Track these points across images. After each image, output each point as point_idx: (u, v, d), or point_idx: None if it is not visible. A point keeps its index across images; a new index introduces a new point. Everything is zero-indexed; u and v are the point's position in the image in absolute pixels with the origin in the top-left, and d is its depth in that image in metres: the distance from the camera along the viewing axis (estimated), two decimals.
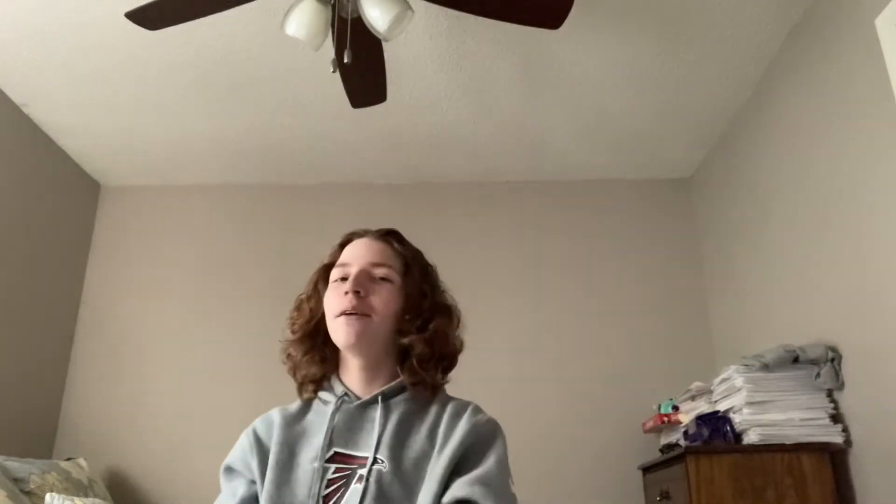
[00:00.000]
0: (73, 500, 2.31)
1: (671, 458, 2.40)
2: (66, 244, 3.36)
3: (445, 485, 1.01)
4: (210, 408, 3.17)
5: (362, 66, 2.20)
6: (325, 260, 1.23)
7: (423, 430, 1.09)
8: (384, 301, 1.13)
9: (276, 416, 1.16)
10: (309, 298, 1.21)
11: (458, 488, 0.99)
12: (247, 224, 3.53)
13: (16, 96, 2.91)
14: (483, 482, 1.00)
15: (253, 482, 1.08)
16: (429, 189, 3.55)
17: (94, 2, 2.37)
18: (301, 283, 1.25)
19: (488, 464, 1.03)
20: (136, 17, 2.03)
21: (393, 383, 1.13)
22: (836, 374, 2.19)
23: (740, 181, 2.99)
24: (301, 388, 1.19)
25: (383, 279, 1.15)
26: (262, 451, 1.10)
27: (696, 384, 2.61)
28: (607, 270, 3.41)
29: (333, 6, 1.95)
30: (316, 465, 1.05)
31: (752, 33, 2.53)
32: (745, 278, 2.93)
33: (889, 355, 1.96)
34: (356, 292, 1.11)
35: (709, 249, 3.34)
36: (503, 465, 1.05)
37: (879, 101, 2.00)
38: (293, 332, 1.20)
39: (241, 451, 1.13)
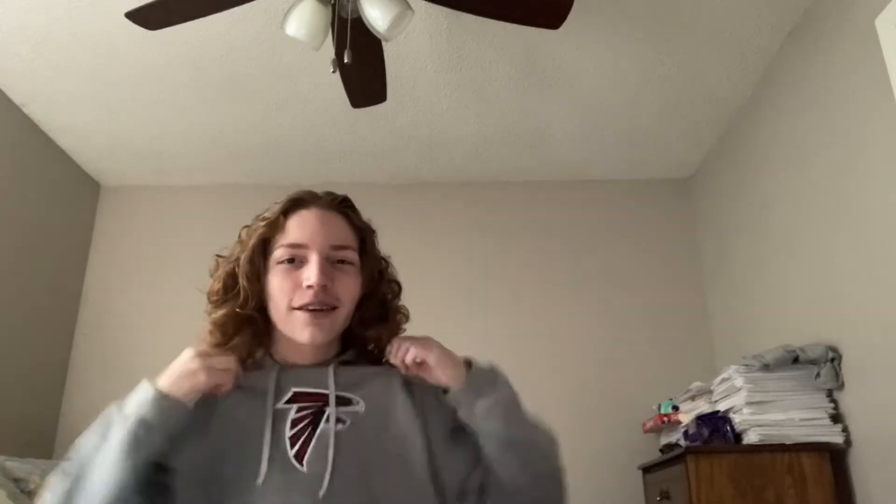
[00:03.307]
0: None
1: (671, 458, 2.40)
2: (66, 244, 3.36)
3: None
4: None
5: (362, 66, 2.20)
6: (261, 228, 1.05)
7: (377, 375, 1.02)
8: (349, 290, 1.02)
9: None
10: (245, 275, 1.03)
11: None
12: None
13: (16, 96, 2.91)
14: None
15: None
16: (429, 189, 3.55)
17: (94, 2, 2.37)
18: None
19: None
20: (136, 17, 2.03)
21: (346, 356, 1.06)
22: (836, 374, 2.19)
23: (740, 181, 2.99)
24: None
25: (345, 262, 1.02)
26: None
27: (696, 384, 2.61)
28: (607, 270, 3.41)
29: (333, 6, 1.95)
30: (268, 408, 0.94)
31: (752, 33, 2.53)
32: (745, 278, 2.93)
33: (889, 355, 1.96)
34: (323, 286, 0.98)
35: (709, 249, 3.34)
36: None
37: (879, 101, 2.00)
38: (217, 312, 1.07)
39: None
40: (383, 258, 1.12)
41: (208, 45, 2.59)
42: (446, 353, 1.00)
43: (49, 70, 2.73)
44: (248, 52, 2.62)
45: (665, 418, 2.74)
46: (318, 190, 1.12)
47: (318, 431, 0.92)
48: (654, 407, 2.84)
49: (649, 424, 2.86)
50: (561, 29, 2.12)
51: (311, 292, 0.97)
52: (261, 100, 2.93)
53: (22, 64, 2.69)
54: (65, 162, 3.34)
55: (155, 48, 2.59)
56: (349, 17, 1.99)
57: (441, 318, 3.42)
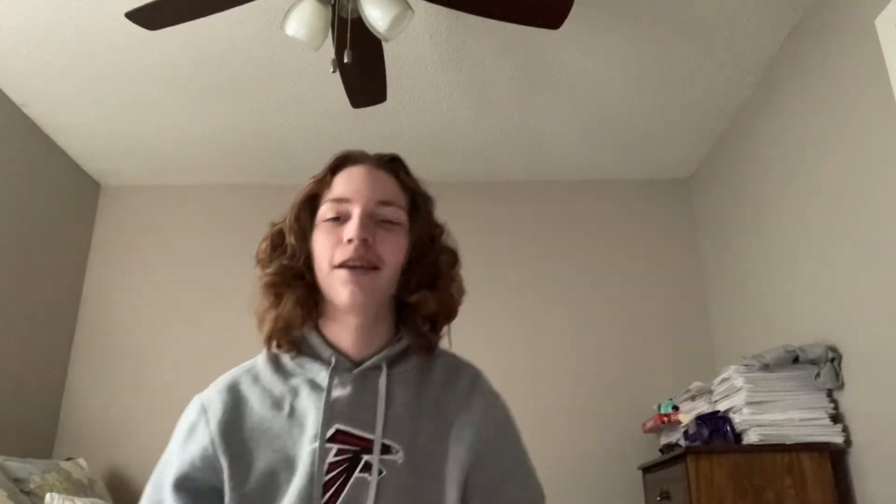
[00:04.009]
0: (73, 500, 2.31)
1: (671, 458, 2.40)
2: (66, 244, 3.36)
3: (463, 483, 0.91)
4: None
5: (362, 66, 2.20)
6: (309, 185, 1.00)
7: (430, 403, 0.94)
8: (393, 250, 0.94)
9: (245, 385, 0.97)
10: (291, 231, 0.97)
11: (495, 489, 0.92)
12: (247, 224, 3.52)
13: (16, 96, 2.91)
14: (508, 476, 0.95)
15: (219, 492, 0.88)
16: (429, 189, 3.54)
17: (95, 2, 2.37)
18: None
19: (512, 457, 0.97)
20: (136, 17, 2.03)
21: (397, 347, 0.96)
22: (836, 374, 2.19)
23: (740, 181, 2.99)
24: (269, 341, 0.98)
25: (391, 222, 0.95)
26: (236, 436, 0.90)
27: (696, 384, 2.61)
28: (607, 270, 3.41)
29: (333, 6, 1.95)
30: (315, 445, 0.87)
31: (752, 33, 2.53)
32: (745, 278, 2.93)
33: (889, 355, 1.96)
34: (363, 240, 0.91)
35: (709, 249, 3.34)
36: (524, 447, 1.00)
37: (879, 101, 2.00)
38: (266, 271, 0.98)
39: (199, 449, 0.91)
40: (438, 224, 1.03)
41: (208, 46, 2.59)
42: None
43: (49, 70, 2.73)
44: (247, 52, 2.62)
45: (665, 418, 2.74)
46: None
47: (351, 479, 0.87)
48: (654, 407, 2.84)
49: (649, 424, 2.86)
50: (561, 29, 2.12)
51: (351, 247, 0.91)
52: (261, 100, 2.93)
53: (22, 64, 2.69)
54: (65, 162, 3.34)
55: (155, 48, 2.59)
56: (349, 17, 1.99)
57: None
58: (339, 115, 2.95)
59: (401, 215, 0.97)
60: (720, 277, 3.21)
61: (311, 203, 0.98)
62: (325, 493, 0.86)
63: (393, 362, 0.95)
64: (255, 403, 0.94)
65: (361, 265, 0.91)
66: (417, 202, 1.00)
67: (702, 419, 2.36)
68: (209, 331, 3.33)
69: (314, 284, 0.96)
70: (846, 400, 2.20)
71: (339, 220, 0.94)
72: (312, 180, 1.00)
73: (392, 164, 1.02)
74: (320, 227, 0.96)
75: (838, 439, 2.16)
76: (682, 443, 2.49)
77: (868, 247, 2.09)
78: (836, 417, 2.21)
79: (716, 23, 2.47)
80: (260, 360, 1.01)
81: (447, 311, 1.00)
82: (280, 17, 1.97)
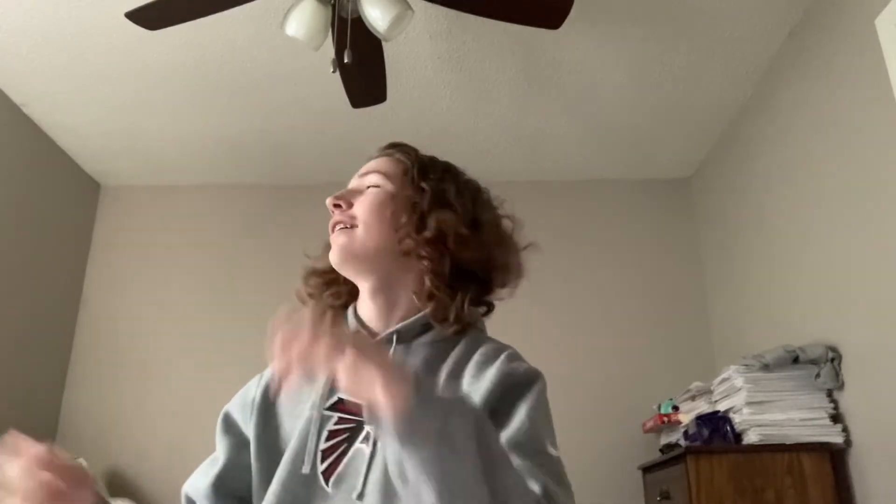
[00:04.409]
0: None
1: (671, 458, 2.40)
2: (66, 244, 3.36)
3: None
4: (210, 407, 3.16)
5: (362, 66, 2.20)
6: None
7: (442, 374, 0.90)
8: (368, 207, 0.97)
9: None
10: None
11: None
12: (247, 224, 3.53)
13: (16, 96, 2.91)
14: (512, 444, 0.79)
15: (244, 440, 0.95)
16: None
17: (95, 2, 2.37)
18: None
19: (518, 420, 0.82)
20: (136, 17, 2.03)
21: (412, 318, 0.94)
22: (836, 374, 2.19)
23: (740, 181, 2.99)
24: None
25: (370, 187, 1.00)
26: (268, 400, 0.96)
27: (696, 384, 2.61)
28: (607, 270, 3.41)
29: (333, 6, 1.95)
30: (314, 411, 0.89)
31: (752, 33, 2.53)
32: (745, 278, 2.93)
33: (889, 355, 1.96)
34: (336, 205, 0.98)
35: (709, 249, 3.34)
36: (538, 419, 0.84)
37: (879, 101, 2.00)
38: (313, 261, 1.05)
39: (245, 398, 0.99)
40: (450, 185, 1.01)
41: (208, 46, 2.59)
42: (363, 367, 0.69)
43: (49, 70, 2.73)
44: (247, 52, 2.62)
45: (665, 418, 2.74)
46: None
47: (351, 451, 0.86)
48: (654, 407, 2.84)
49: (649, 424, 2.86)
50: (561, 29, 2.12)
51: (334, 216, 0.99)
52: (260, 100, 2.93)
53: (22, 64, 2.69)
54: (65, 162, 3.34)
55: (155, 48, 2.59)
56: (349, 17, 1.99)
57: None
58: (339, 115, 2.95)
59: (379, 179, 1.00)
60: (720, 277, 3.20)
61: None
62: (324, 459, 0.87)
63: (406, 336, 0.94)
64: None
65: (338, 226, 0.97)
66: (408, 169, 1.02)
67: (702, 419, 2.36)
68: (209, 331, 3.34)
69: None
70: (846, 400, 2.19)
71: None
72: None
73: (387, 148, 1.07)
74: None
75: (838, 439, 2.16)
76: (682, 443, 2.49)
77: (868, 247, 2.09)
78: (836, 417, 2.21)
79: (716, 23, 2.47)
80: None
81: (456, 262, 0.94)
82: (280, 18, 1.97)
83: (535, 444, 0.81)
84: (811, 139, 2.42)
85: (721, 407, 2.38)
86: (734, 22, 2.47)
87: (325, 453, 0.87)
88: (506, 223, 1.07)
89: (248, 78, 2.78)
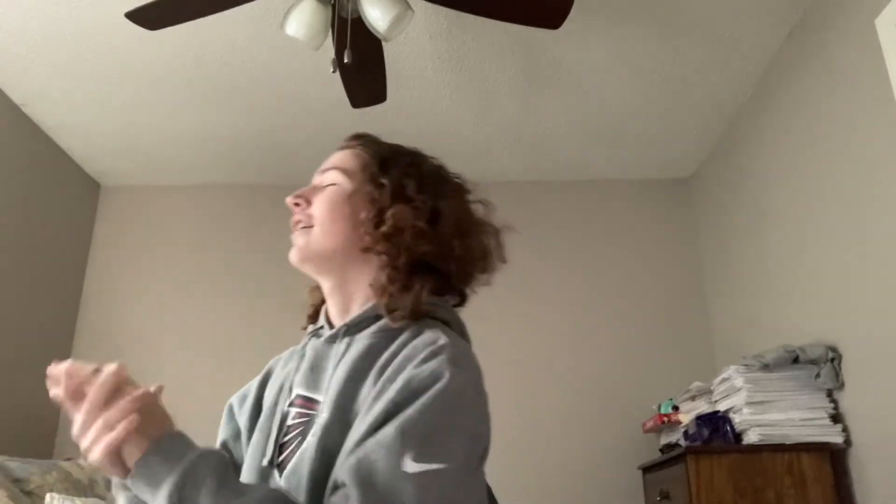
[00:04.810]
0: (73, 500, 2.31)
1: (671, 458, 2.40)
2: (66, 244, 3.36)
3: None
4: (211, 406, 3.16)
5: (362, 66, 2.20)
6: None
7: (373, 373, 0.87)
8: (325, 206, 0.97)
9: (286, 353, 1.06)
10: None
11: (343, 459, 0.78)
12: (246, 224, 3.53)
13: (16, 96, 2.91)
14: (356, 461, 0.75)
15: (239, 430, 1.01)
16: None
17: (95, 2, 2.37)
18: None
19: (385, 432, 0.76)
20: (136, 17, 2.03)
21: (362, 311, 0.94)
22: (836, 374, 2.19)
23: (740, 181, 2.99)
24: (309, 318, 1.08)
25: (330, 184, 0.99)
26: (261, 393, 1.02)
27: (696, 384, 2.61)
28: (607, 270, 3.41)
29: (333, 6, 1.95)
30: (277, 407, 0.94)
31: (752, 33, 2.53)
32: (745, 278, 2.93)
33: (889, 355, 1.96)
34: (295, 205, 0.99)
35: (709, 249, 3.34)
36: (408, 429, 0.76)
37: (879, 101, 2.00)
38: None
39: (246, 390, 1.05)
40: (410, 178, 0.99)
41: (208, 46, 2.59)
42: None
43: (49, 70, 2.73)
44: (247, 52, 2.62)
45: (665, 418, 2.74)
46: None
47: (303, 445, 0.86)
48: (654, 407, 2.84)
49: (649, 424, 2.86)
50: (561, 29, 2.12)
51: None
52: (260, 100, 2.93)
53: (22, 64, 2.69)
54: (65, 162, 3.34)
55: (155, 48, 2.59)
56: (349, 17, 1.99)
57: None
58: (339, 115, 2.95)
59: (337, 176, 0.99)
60: (720, 277, 3.20)
61: None
62: (282, 452, 0.89)
63: (354, 329, 0.94)
64: (278, 368, 1.04)
65: (297, 225, 0.98)
66: (368, 162, 1.00)
67: (702, 419, 2.36)
68: (209, 331, 3.34)
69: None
70: (846, 400, 2.20)
71: None
72: None
73: (349, 141, 1.06)
74: None
75: (838, 439, 2.16)
76: (682, 443, 2.49)
77: (868, 247, 2.09)
78: (836, 417, 2.21)
79: (716, 23, 2.47)
80: None
81: (410, 256, 0.92)
82: (280, 18, 1.97)
83: (383, 465, 0.74)
84: (811, 139, 2.42)
85: (721, 407, 2.38)
86: (734, 22, 2.47)
87: (284, 447, 0.90)
88: (476, 210, 1.05)
89: (247, 78, 2.78)
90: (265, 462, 0.89)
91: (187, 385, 3.24)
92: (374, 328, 0.92)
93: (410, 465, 0.74)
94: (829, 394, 2.24)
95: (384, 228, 0.93)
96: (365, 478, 0.73)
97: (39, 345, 3.11)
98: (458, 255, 0.97)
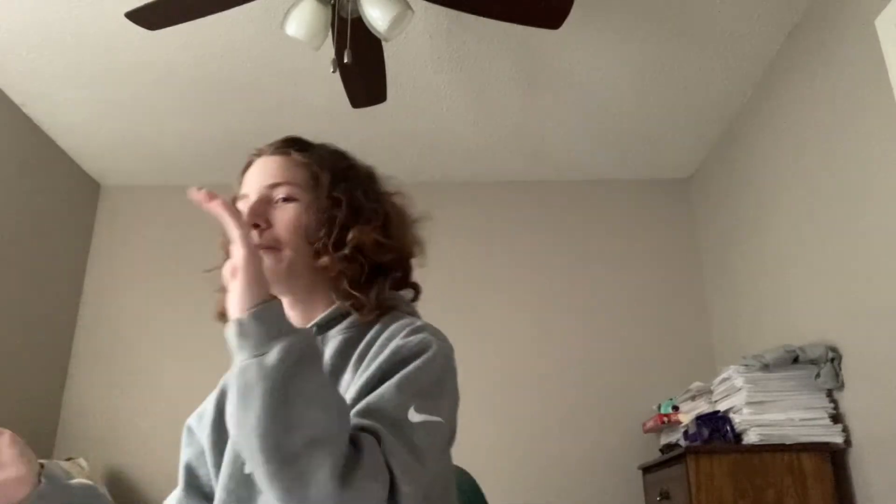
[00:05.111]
0: None
1: (671, 458, 2.40)
2: (66, 244, 3.36)
3: None
4: None
5: (362, 66, 2.20)
6: (234, 193, 1.04)
7: (352, 362, 0.90)
8: (287, 226, 0.94)
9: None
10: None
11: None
12: None
13: (16, 96, 2.91)
14: (365, 412, 0.78)
15: (202, 448, 0.99)
16: (429, 189, 3.54)
17: (95, 2, 2.37)
18: None
19: (384, 387, 0.80)
20: (136, 17, 2.03)
21: (329, 310, 0.96)
22: (836, 374, 2.19)
23: (740, 181, 2.99)
24: None
25: (285, 199, 0.96)
26: (220, 409, 0.98)
27: (696, 384, 2.61)
28: (607, 270, 3.41)
29: (333, 6, 1.95)
30: None
31: (752, 33, 2.53)
32: (745, 278, 2.93)
33: (889, 355, 1.96)
34: (255, 226, 0.93)
35: (709, 249, 3.34)
36: (408, 385, 0.81)
37: (879, 100, 2.00)
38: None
39: (202, 409, 1.04)
40: (355, 188, 1.00)
41: (208, 46, 2.59)
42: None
43: (49, 70, 2.73)
44: (247, 52, 2.62)
45: (665, 418, 2.74)
46: None
47: None
48: (654, 407, 2.84)
49: (649, 424, 2.86)
50: (561, 29, 2.12)
51: None
52: (260, 100, 2.93)
53: (22, 64, 2.69)
54: (65, 162, 3.34)
55: (155, 48, 2.59)
56: (349, 17, 1.99)
57: (440, 319, 3.42)
58: (339, 115, 2.95)
59: (293, 191, 0.97)
60: (720, 277, 3.20)
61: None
62: None
63: (324, 327, 0.96)
64: None
65: (258, 247, 0.90)
66: (316, 173, 0.99)
67: (702, 419, 2.36)
68: (209, 331, 3.32)
69: None
70: (846, 400, 2.19)
71: None
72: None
73: (283, 147, 1.02)
74: None
75: (838, 439, 2.16)
76: (682, 443, 2.49)
77: (868, 246, 2.09)
78: (836, 417, 2.21)
79: (716, 23, 2.47)
80: None
81: (371, 268, 0.95)
82: (280, 17, 1.97)
83: (390, 410, 0.78)
84: (811, 139, 2.42)
85: (721, 407, 2.38)
86: (734, 22, 2.47)
87: None
88: (399, 201, 1.06)
89: (248, 78, 2.78)
90: (248, 469, 0.87)
91: (187, 384, 3.24)
92: (344, 324, 0.95)
93: (414, 415, 0.80)
94: (829, 394, 2.24)
95: (347, 251, 0.94)
96: (381, 419, 0.77)
97: (39, 344, 3.11)
98: (408, 254, 1.02)
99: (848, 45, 2.18)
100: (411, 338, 0.87)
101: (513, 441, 3.04)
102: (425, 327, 0.91)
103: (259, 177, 0.99)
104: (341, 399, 0.78)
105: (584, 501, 2.97)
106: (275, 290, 0.90)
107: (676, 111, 3.01)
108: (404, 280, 1.02)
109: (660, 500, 2.47)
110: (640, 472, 2.81)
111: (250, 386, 0.70)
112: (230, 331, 0.74)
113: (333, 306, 0.96)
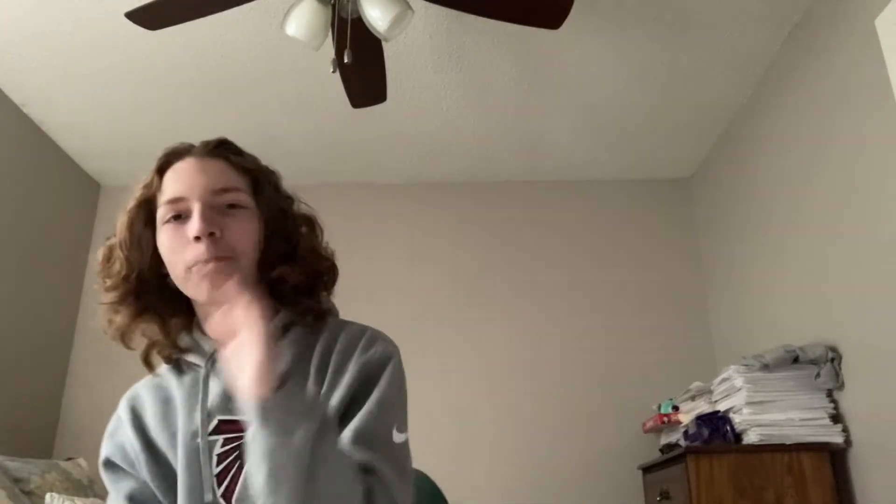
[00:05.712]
0: (73, 500, 2.31)
1: (671, 458, 2.40)
2: (66, 244, 3.36)
3: None
4: None
5: (362, 66, 2.20)
6: (139, 193, 0.98)
7: (312, 373, 0.91)
8: (243, 235, 0.91)
9: (144, 392, 0.99)
10: (124, 245, 0.98)
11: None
12: None
13: (16, 96, 2.91)
14: (358, 439, 0.83)
15: (142, 480, 0.93)
16: (429, 189, 3.55)
17: (95, 2, 2.37)
18: None
19: (367, 408, 0.85)
20: (136, 17, 2.03)
21: (274, 322, 0.92)
22: (836, 374, 2.19)
23: (740, 181, 2.99)
24: (148, 354, 0.97)
25: (232, 206, 0.92)
26: (146, 439, 0.93)
27: (696, 384, 2.61)
28: (607, 270, 3.41)
29: (333, 6, 1.95)
30: (199, 441, 0.88)
31: (752, 33, 2.53)
32: (745, 278, 2.93)
33: (889, 355, 1.97)
34: (210, 235, 0.88)
35: (708, 249, 3.34)
36: (387, 404, 0.87)
37: (879, 101, 2.00)
38: (108, 291, 0.97)
39: (121, 444, 0.96)
40: (287, 196, 1.00)
41: (208, 46, 2.59)
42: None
43: (49, 70, 2.73)
44: (248, 52, 2.62)
45: (665, 418, 2.74)
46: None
47: (247, 466, 0.83)
48: (654, 407, 2.84)
49: (649, 424, 2.86)
50: (561, 29, 2.12)
51: (200, 245, 0.88)
52: (260, 100, 2.93)
53: (22, 64, 2.69)
54: (65, 162, 3.34)
55: (155, 48, 2.59)
56: (349, 17, 1.99)
57: (440, 318, 3.42)
58: (339, 115, 2.95)
59: (243, 198, 0.94)
60: (720, 277, 3.21)
61: (145, 209, 0.97)
62: (220, 483, 0.88)
63: (277, 338, 0.92)
64: (150, 408, 0.97)
65: (215, 258, 0.88)
66: (259, 179, 0.98)
67: (702, 419, 2.36)
68: None
69: (170, 288, 0.94)
70: (846, 400, 2.20)
71: (181, 218, 0.91)
72: (140, 185, 0.99)
73: (219, 150, 0.99)
74: (162, 230, 0.93)
75: (838, 439, 2.16)
76: (682, 443, 2.49)
77: (868, 246, 2.09)
78: (836, 417, 2.21)
79: (716, 23, 2.47)
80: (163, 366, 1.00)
81: (315, 276, 0.97)
82: (280, 17, 1.97)
83: (380, 435, 0.85)
84: (811, 139, 2.42)
85: (721, 407, 2.39)
86: (734, 22, 2.47)
87: (220, 478, 0.88)
88: (308, 208, 1.04)
89: (247, 78, 2.78)
90: (209, 498, 0.86)
91: None
92: (291, 336, 0.94)
93: (397, 436, 0.87)
94: (829, 394, 2.24)
95: (296, 260, 0.94)
96: (373, 446, 0.83)
97: (39, 345, 3.11)
98: (333, 263, 1.01)
99: (848, 44, 2.18)
100: (372, 350, 0.91)
101: (512, 441, 3.04)
102: (377, 335, 0.95)
103: (201, 179, 0.93)
104: (348, 457, 0.81)
105: (584, 501, 2.97)
106: (222, 302, 0.87)
107: (676, 111, 3.01)
108: (333, 283, 1.01)
109: (660, 500, 2.47)
110: (640, 472, 2.81)
111: (280, 466, 0.75)
112: (250, 406, 0.76)
113: (279, 319, 0.94)
